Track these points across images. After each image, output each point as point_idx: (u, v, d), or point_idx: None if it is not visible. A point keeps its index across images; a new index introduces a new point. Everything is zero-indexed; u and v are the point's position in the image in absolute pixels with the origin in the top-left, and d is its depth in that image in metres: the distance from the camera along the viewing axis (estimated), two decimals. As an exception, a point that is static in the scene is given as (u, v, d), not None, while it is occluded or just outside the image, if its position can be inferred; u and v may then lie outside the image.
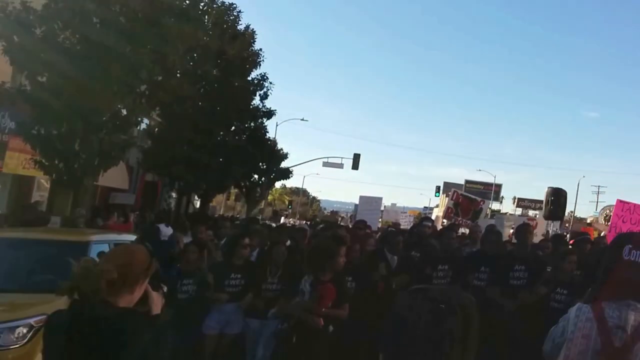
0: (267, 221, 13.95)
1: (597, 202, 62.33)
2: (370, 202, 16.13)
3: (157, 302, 2.44)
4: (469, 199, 14.25)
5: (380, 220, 39.43)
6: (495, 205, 70.42)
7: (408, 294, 1.55)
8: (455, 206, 13.84)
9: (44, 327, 2.29)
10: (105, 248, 6.33)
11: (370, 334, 5.82)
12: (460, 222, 13.35)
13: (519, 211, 65.98)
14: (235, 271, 6.17)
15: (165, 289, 2.45)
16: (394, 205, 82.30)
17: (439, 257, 7.11)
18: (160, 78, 12.48)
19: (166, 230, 9.06)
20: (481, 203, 14.10)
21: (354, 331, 5.64)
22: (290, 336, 4.76)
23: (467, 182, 69.01)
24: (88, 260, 2.35)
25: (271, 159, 29.25)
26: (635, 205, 9.68)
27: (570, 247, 7.99)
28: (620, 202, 10.06)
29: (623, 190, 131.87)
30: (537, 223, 16.41)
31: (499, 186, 70.66)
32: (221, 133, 23.56)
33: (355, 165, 36.05)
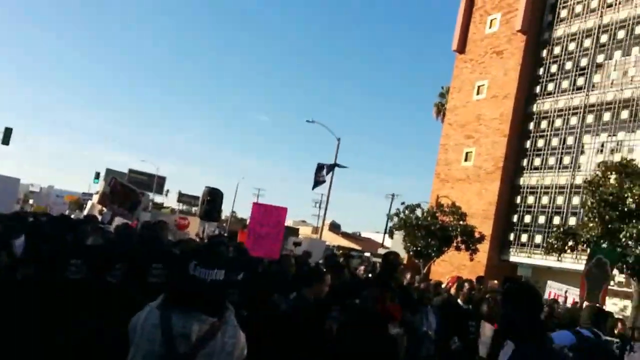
0: None
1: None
2: (4, 183, 13.92)
3: None
4: (129, 188, 13.93)
5: (32, 205, 36.60)
6: (159, 199, 71.68)
7: None
8: (111, 194, 13.32)
9: None
10: None
11: None
12: (116, 210, 13.23)
13: (181, 206, 68.90)
14: None
15: None
16: (50, 187, 75.79)
17: (72, 250, 6.62)
18: None
19: None
20: (140, 195, 14.02)
21: None
22: None
23: (130, 171, 68.51)
24: None
25: None
26: (270, 206, 9.73)
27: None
28: (256, 205, 10.10)
29: (280, 194, 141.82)
30: (189, 222, 17.39)
31: (162, 179, 71.43)
32: None
33: (5, 140, 33.95)
